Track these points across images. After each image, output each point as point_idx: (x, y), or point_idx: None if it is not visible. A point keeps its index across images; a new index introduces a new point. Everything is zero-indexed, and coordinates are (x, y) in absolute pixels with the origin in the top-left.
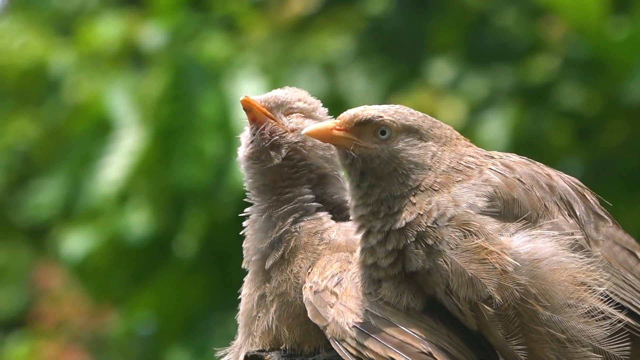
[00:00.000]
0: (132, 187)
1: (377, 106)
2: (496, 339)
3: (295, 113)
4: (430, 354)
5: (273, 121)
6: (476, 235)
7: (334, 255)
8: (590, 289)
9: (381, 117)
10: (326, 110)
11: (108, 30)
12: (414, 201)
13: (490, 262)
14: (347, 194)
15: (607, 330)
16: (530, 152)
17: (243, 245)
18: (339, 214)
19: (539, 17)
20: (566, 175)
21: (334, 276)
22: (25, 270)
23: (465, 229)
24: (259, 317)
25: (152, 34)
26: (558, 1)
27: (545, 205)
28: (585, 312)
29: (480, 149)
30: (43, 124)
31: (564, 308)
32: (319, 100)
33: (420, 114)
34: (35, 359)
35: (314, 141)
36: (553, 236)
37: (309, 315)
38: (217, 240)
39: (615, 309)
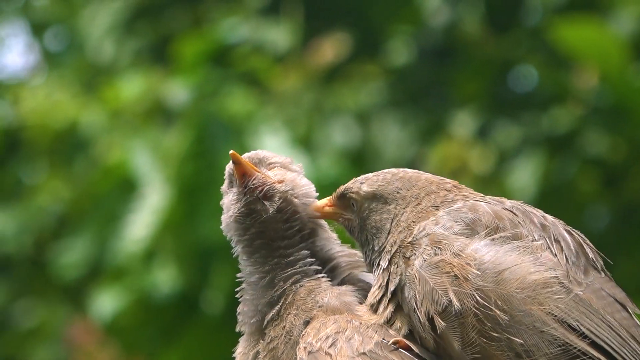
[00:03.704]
0: (158, 245)
1: (365, 175)
2: (454, 350)
3: (276, 167)
4: None
5: (261, 174)
6: (444, 251)
7: (330, 317)
8: (549, 312)
9: (349, 188)
10: (300, 164)
11: (133, 88)
12: (389, 249)
13: (453, 273)
14: (334, 243)
15: (561, 351)
16: (557, 200)
17: (238, 309)
18: (333, 271)
19: (563, 66)
20: (571, 227)
21: (329, 337)
22: (62, 327)
23: (436, 247)
24: None
25: (176, 91)
26: (581, 49)
27: (534, 237)
28: (542, 327)
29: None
30: (74, 184)
31: (522, 315)
32: (291, 157)
33: (398, 175)
34: None
35: (302, 189)
36: (526, 249)
37: None
38: None
39: (583, 341)
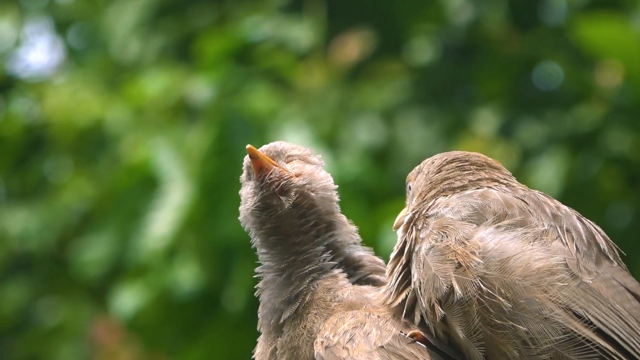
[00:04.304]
0: (180, 242)
1: None
2: (459, 338)
3: (295, 160)
4: None
5: (278, 167)
6: (449, 238)
7: (347, 312)
8: (553, 300)
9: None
10: (319, 156)
11: (156, 86)
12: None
13: (456, 260)
14: (356, 239)
15: (567, 338)
16: (580, 198)
17: (258, 310)
18: (355, 270)
19: (586, 65)
20: (586, 219)
21: (347, 332)
22: (84, 325)
23: (442, 232)
24: None
25: (199, 89)
26: (604, 48)
27: (543, 225)
28: (547, 314)
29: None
30: (97, 181)
31: (526, 303)
32: (310, 148)
33: (444, 154)
34: None
35: (320, 183)
36: (532, 236)
37: None
38: None
39: (588, 329)
